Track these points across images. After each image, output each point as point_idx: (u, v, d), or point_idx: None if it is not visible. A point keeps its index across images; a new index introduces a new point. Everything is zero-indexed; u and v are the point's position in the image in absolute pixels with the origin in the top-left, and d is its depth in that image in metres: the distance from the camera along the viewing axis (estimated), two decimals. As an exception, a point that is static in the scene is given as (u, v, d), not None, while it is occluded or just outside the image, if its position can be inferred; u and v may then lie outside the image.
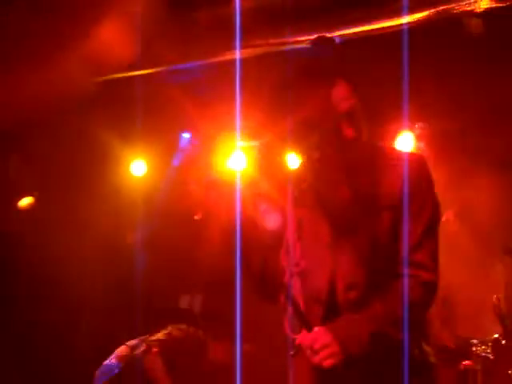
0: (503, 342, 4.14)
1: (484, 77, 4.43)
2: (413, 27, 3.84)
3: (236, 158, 5.23)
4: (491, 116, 4.74)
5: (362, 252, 1.87)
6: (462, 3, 3.92)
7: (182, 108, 4.84)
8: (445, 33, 4.11)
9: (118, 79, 4.80)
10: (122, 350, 4.47)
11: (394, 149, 2.39)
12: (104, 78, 4.68)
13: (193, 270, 5.44)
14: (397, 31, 3.89)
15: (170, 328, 4.65)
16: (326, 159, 1.98)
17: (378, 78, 3.84)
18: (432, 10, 4.00)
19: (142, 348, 4.44)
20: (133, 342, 4.52)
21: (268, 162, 4.96)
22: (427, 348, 1.92)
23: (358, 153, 1.97)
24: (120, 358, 4.40)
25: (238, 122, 3.78)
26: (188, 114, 4.94)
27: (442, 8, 4.00)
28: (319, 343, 1.78)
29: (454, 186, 4.62)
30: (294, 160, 3.93)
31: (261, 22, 4.09)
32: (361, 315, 1.83)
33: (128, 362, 4.39)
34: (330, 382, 1.83)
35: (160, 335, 4.57)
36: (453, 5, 3.98)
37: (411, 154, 2.13)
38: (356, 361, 1.79)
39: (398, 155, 2.02)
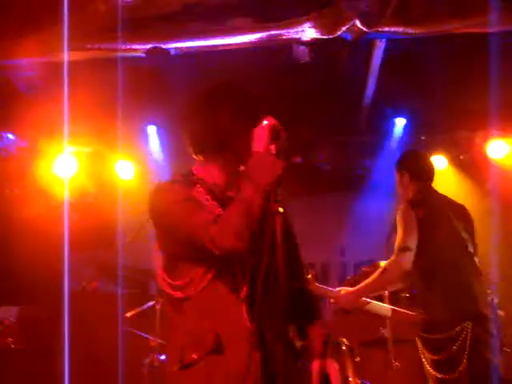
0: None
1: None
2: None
3: (64, 164, 4.52)
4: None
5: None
6: (291, 30, 4.38)
7: (7, 107, 4.38)
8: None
9: None
10: None
11: None
12: None
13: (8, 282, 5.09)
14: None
15: None
16: None
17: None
18: (264, 34, 4.33)
19: None
20: None
21: (98, 169, 4.69)
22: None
23: None
24: None
25: (66, 125, 4.48)
26: (14, 113, 4.42)
27: (273, 33, 4.33)
28: None
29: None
30: (124, 168, 5.35)
31: (94, 26, 3.89)
32: None
33: None
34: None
35: None
36: (283, 31, 4.36)
37: None
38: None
39: None
